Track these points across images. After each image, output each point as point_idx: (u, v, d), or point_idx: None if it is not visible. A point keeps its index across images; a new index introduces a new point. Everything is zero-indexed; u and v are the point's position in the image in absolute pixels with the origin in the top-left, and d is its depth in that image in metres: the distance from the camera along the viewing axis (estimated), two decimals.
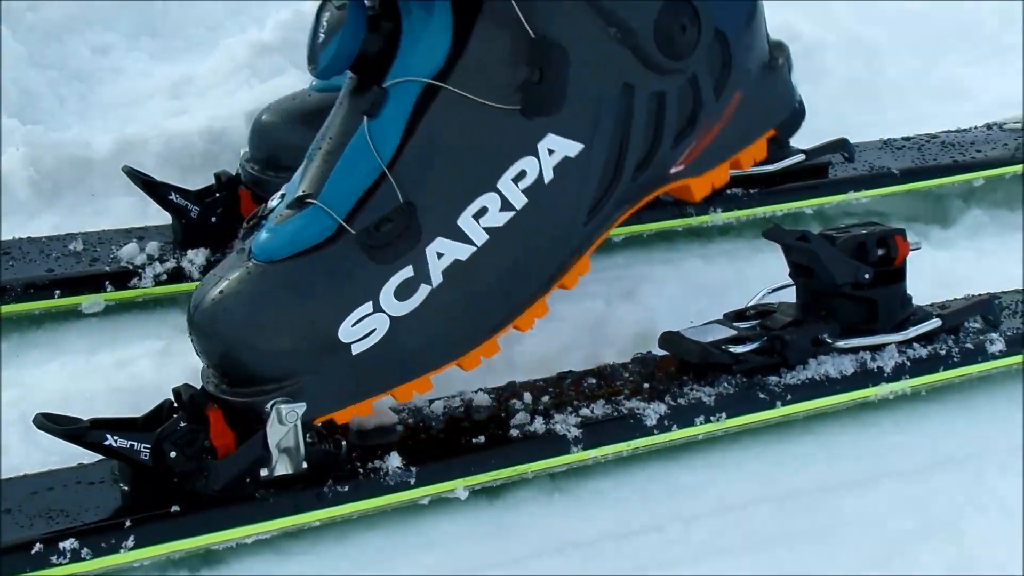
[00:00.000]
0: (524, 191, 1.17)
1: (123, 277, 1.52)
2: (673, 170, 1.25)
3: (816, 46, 2.22)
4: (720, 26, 1.23)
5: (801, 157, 1.75)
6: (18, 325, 1.50)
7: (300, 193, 1.17)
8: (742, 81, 1.26)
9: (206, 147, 1.88)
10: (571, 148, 1.18)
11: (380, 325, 1.14)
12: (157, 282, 1.53)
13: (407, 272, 1.14)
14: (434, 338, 1.16)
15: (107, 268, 1.53)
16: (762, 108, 1.29)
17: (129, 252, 1.55)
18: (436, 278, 1.15)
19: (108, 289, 1.51)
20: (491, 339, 1.19)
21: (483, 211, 1.16)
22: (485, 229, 1.16)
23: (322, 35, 1.16)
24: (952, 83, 2.33)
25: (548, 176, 1.18)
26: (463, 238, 1.16)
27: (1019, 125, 1.97)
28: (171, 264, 1.54)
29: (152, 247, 1.56)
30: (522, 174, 1.17)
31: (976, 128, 1.98)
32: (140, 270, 1.53)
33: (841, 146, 1.76)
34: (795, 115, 1.29)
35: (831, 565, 1.14)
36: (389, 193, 1.14)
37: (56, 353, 1.46)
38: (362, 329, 1.13)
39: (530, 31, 1.14)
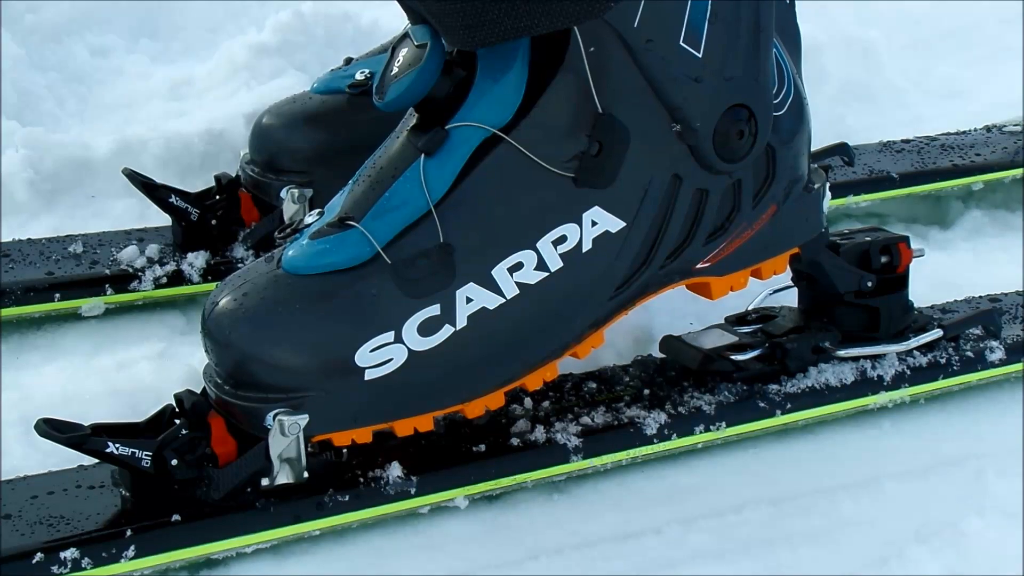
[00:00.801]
0: (561, 255, 1.19)
1: (123, 280, 1.52)
2: (699, 266, 1.28)
3: (814, 47, 2.21)
4: (772, 140, 1.28)
5: None
6: (18, 327, 1.51)
7: (343, 214, 1.18)
8: (779, 195, 1.30)
9: (205, 148, 1.88)
10: (613, 224, 1.21)
11: (397, 356, 1.15)
12: (157, 285, 1.53)
13: (434, 310, 1.15)
14: (446, 379, 1.17)
15: (107, 271, 1.53)
16: (791, 225, 1.32)
17: (129, 255, 1.55)
18: (461, 321, 1.16)
19: (108, 292, 1.52)
20: (499, 392, 1.20)
21: (518, 266, 1.18)
22: (517, 284, 1.18)
23: (395, 69, 1.18)
24: (951, 84, 2.33)
25: (587, 246, 1.20)
26: (494, 288, 1.17)
27: (1019, 127, 1.97)
28: (171, 267, 1.54)
29: (152, 250, 1.56)
30: (562, 238, 1.19)
31: (976, 130, 1.99)
32: (140, 273, 1.53)
33: (841, 150, 1.76)
34: (819, 238, 1.33)
35: (830, 567, 1.14)
36: (431, 231, 1.16)
37: (56, 355, 1.46)
38: (379, 357, 1.14)
39: (599, 105, 1.18)
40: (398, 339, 1.14)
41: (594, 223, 1.20)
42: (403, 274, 1.15)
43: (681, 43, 1.19)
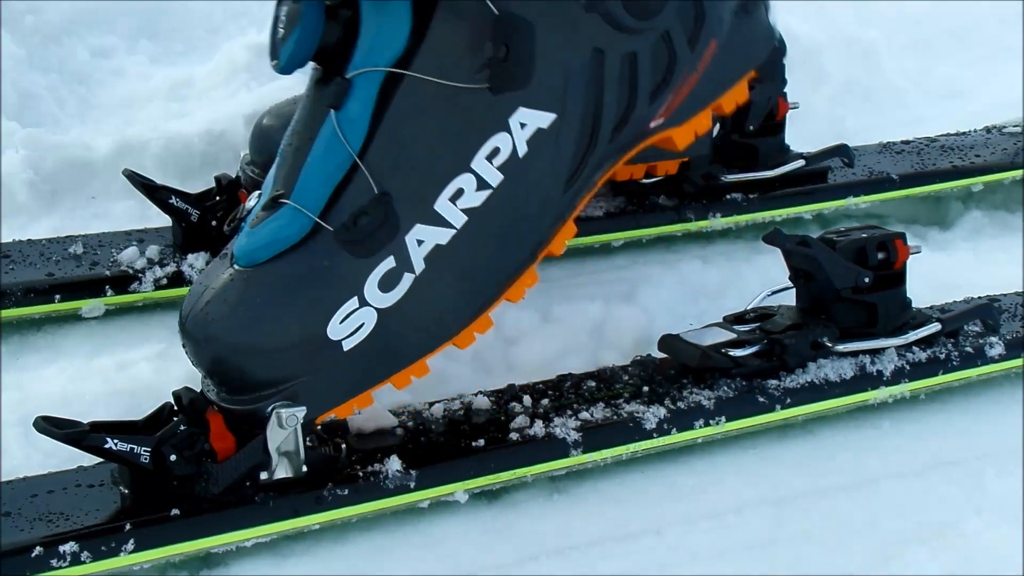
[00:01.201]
0: (499, 168, 1.16)
1: (123, 281, 1.52)
2: (652, 124, 1.24)
3: (814, 48, 2.22)
4: None
5: (801, 163, 1.76)
6: (18, 328, 1.50)
7: (274, 193, 1.16)
8: (716, 29, 1.25)
9: (205, 149, 1.88)
10: (543, 120, 1.17)
11: (368, 319, 1.13)
12: (157, 286, 1.53)
13: (389, 263, 1.14)
14: (424, 324, 1.16)
15: (107, 272, 1.53)
16: (739, 53, 1.28)
17: (129, 256, 1.55)
18: (419, 265, 1.14)
19: (108, 293, 1.51)
20: (482, 316, 1.18)
21: (459, 193, 1.15)
22: (463, 211, 1.15)
23: (281, 30, 1.15)
24: (951, 84, 2.34)
25: (522, 150, 1.17)
26: (442, 222, 1.15)
27: (1018, 128, 1.97)
28: (171, 268, 1.54)
29: (152, 251, 1.56)
30: (496, 151, 1.16)
31: (975, 131, 1.99)
32: (140, 274, 1.53)
33: (841, 151, 1.77)
34: (775, 53, 1.28)
35: (830, 567, 1.14)
36: (363, 185, 1.13)
37: (56, 356, 1.46)
38: (350, 325, 1.13)
39: (493, 8, 1.13)
40: (363, 303, 1.13)
41: (523, 125, 1.16)
42: (348, 237, 1.13)
43: None
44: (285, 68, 1.15)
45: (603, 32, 1.18)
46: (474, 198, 1.16)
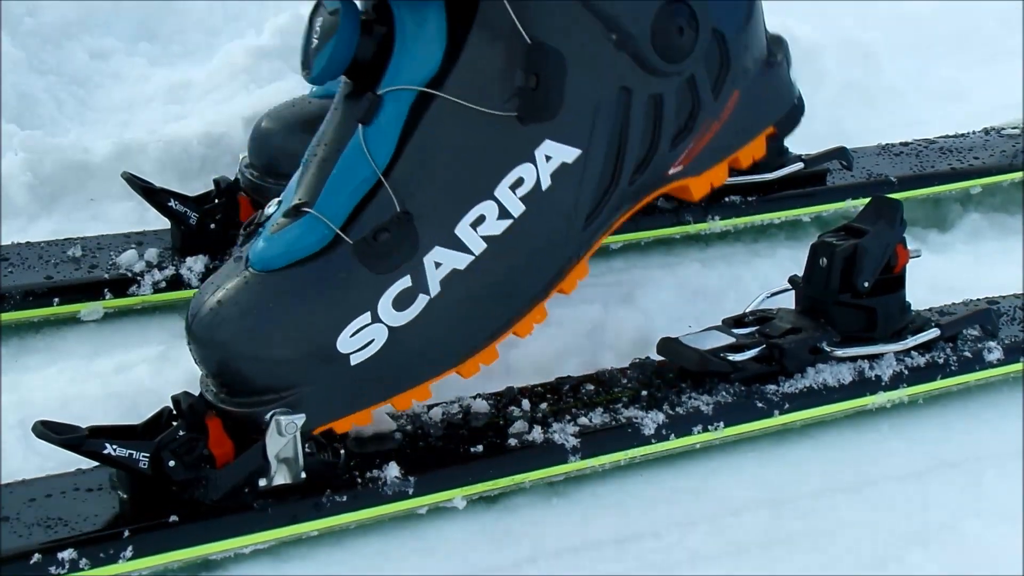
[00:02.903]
0: (522, 199, 1.16)
1: (122, 284, 1.52)
2: (672, 171, 1.24)
3: (814, 49, 2.22)
4: (718, 26, 1.23)
5: (800, 165, 1.76)
6: (17, 331, 1.50)
7: (296, 201, 1.16)
8: (740, 79, 1.26)
9: (204, 152, 1.88)
10: (569, 154, 1.18)
11: (379, 336, 1.14)
12: (156, 289, 1.53)
13: (405, 282, 1.14)
14: (433, 347, 1.16)
15: (106, 275, 1.53)
16: (760, 105, 1.29)
17: (128, 259, 1.55)
18: (434, 288, 1.15)
19: (107, 297, 1.52)
20: (490, 346, 1.19)
21: (481, 219, 1.16)
22: (483, 238, 1.16)
23: (315, 40, 1.15)
24: (951, 86, 2.33)
25: (546, 183, 1.17)
26: (461, 247, 1.15)
27: (1017, 131, 1.97)
28: (170, 271, 1.54)
29: (151, 254, 1.56)
30: (519, 181, 1.16)
31: (974, 133, 1.98)
32: (139, 277, 1.53)
33: (840, 154, 1.77)
34: (794, 111, 1.29)
35: (829, 569, 1.14)
36: (386, 202, 1.14)
37: (55, 359, 1.46)
38: (361, 340, 1.13)
39: (526, 37, 1.14)
40: (375, 319, 1.13)
41: (548, 158, 1.17)
42: (367, 251, 1.13)
43: None
44: (317, 79, 1.15)
45: (631, 71, 1.19)
46: (495, 226, 1.16)
